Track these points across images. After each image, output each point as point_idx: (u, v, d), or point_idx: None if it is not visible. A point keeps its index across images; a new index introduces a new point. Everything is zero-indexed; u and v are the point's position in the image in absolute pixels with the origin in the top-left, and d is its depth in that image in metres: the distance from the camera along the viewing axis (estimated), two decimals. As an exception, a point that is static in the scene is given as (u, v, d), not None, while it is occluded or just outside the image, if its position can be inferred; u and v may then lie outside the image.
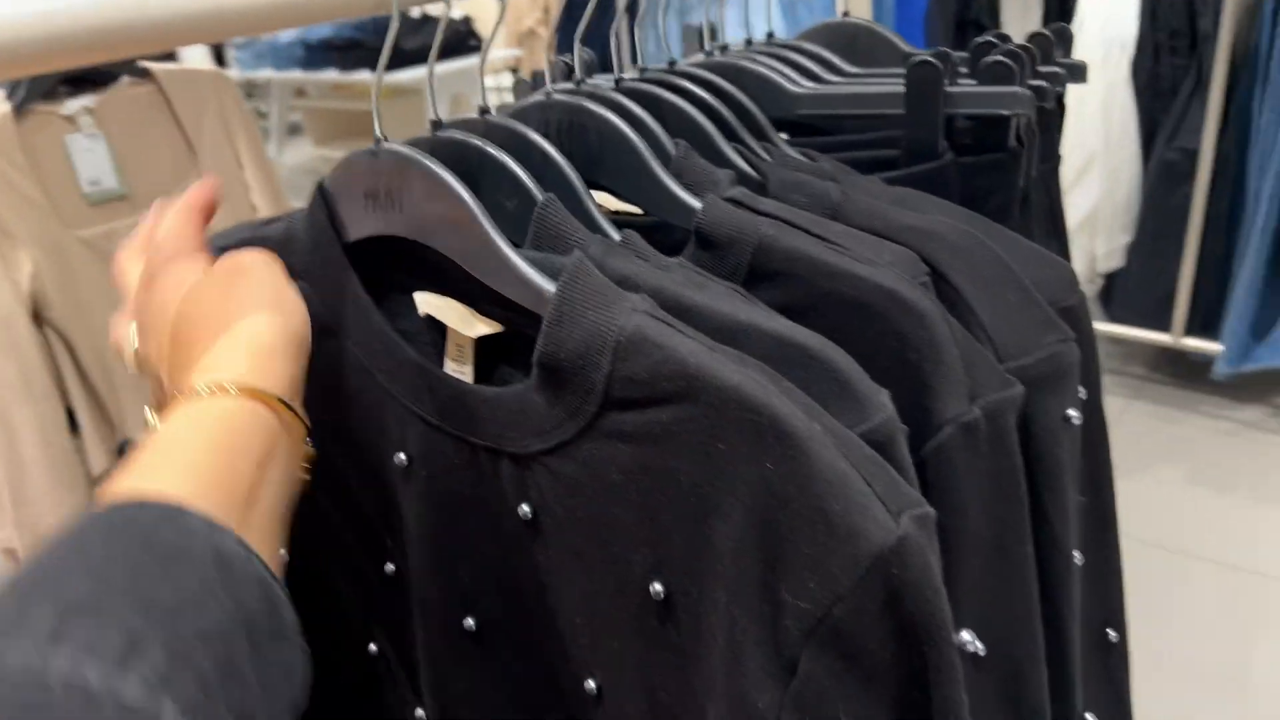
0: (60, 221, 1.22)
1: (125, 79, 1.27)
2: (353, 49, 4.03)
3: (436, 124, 0.50)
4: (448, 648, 0.50)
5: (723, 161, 0.54)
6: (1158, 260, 2.14)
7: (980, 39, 0.59)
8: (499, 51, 4.30)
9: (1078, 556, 0.52)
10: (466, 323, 0.48)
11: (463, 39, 4.12)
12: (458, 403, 0.45)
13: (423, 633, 0.51)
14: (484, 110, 0.51)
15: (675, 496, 0.38)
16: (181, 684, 0.26)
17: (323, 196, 0.50)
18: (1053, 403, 0.48)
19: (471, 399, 0.45)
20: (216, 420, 0.36)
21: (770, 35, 0.72)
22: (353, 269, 0.49)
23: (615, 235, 0.46)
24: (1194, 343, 2.17)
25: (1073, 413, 0.47)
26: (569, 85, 0.55)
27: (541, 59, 3.62)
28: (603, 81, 0.58)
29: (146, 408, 0.46)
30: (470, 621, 0.49)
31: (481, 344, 0.51)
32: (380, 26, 4.06)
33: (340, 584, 0.57)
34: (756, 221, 0.46)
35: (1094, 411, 0.49)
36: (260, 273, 0.44)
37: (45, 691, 0.24)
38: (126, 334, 0.47)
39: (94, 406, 1.25)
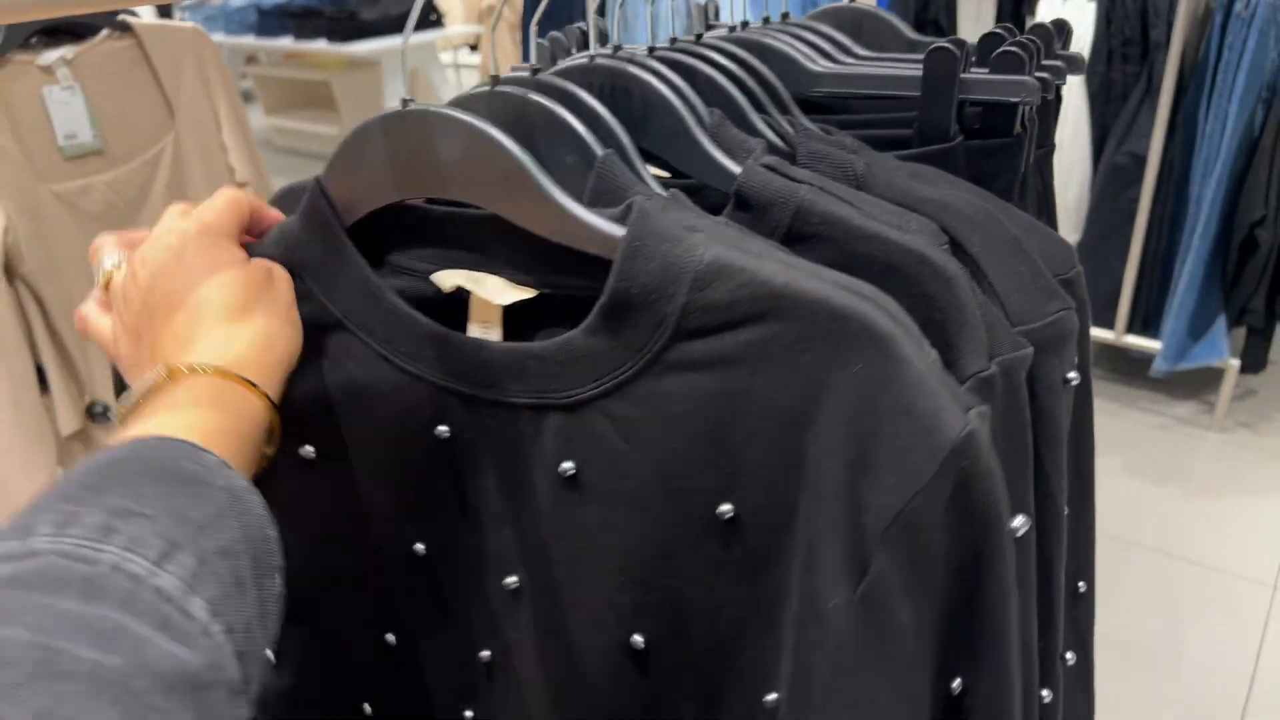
0: (34, 175, 1.19)
1: (104, 31, 1.25)
2: (309, 17, 3.96)
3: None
4: (489, 612, 0.51)
5: (752, 131, 0.57)
6: (1103, 260, 2.23)
7: (991, 30, 0.63)
8: (459, 27, 4.27)
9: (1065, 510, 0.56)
10: (497, 291, 0.48)
11: (423, 14, 4.07)
12: (494, 366, 0.46)
13: (461, 601, 0.52)
14: (535, 70, 0.52)
15: (753, 414, 0.40)
16: (205, 586, 0.32)
17: (320, 187, 0.49)
18: (1055, 365, 0.51)
19: (511, 358, 0.45)
20: (213, 392, 0.41)
21: (785, 15, 0.74)
22: (359, 255, 0.49)
23: (662, 193, 0.48)
24: (1135, 340, 2.26)
25: (1072, 375, 0.50)
26: (605, 51, 0.57)
27: (504, 36, 3.60)
28: (636, 50, 0.60)
29: (126, 385, 0.47)
30: (512, 579, 0.50)
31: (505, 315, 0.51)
32: (337, -4, 4.00)
33: (351, 578, 0.56)
34: (795, 186, 0.49)
35: (1084, 378, 0.52)
36: (284, 287, 0.48)
37: (99, 570, 0.29)
38: (100, 325, 0.49)
39: (64, 365, 1.23)
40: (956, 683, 0.42)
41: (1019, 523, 0.40)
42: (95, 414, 1.26)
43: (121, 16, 1.26)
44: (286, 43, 4.10)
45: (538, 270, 0.47)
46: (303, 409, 0.50)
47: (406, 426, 0.49)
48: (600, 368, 0.43)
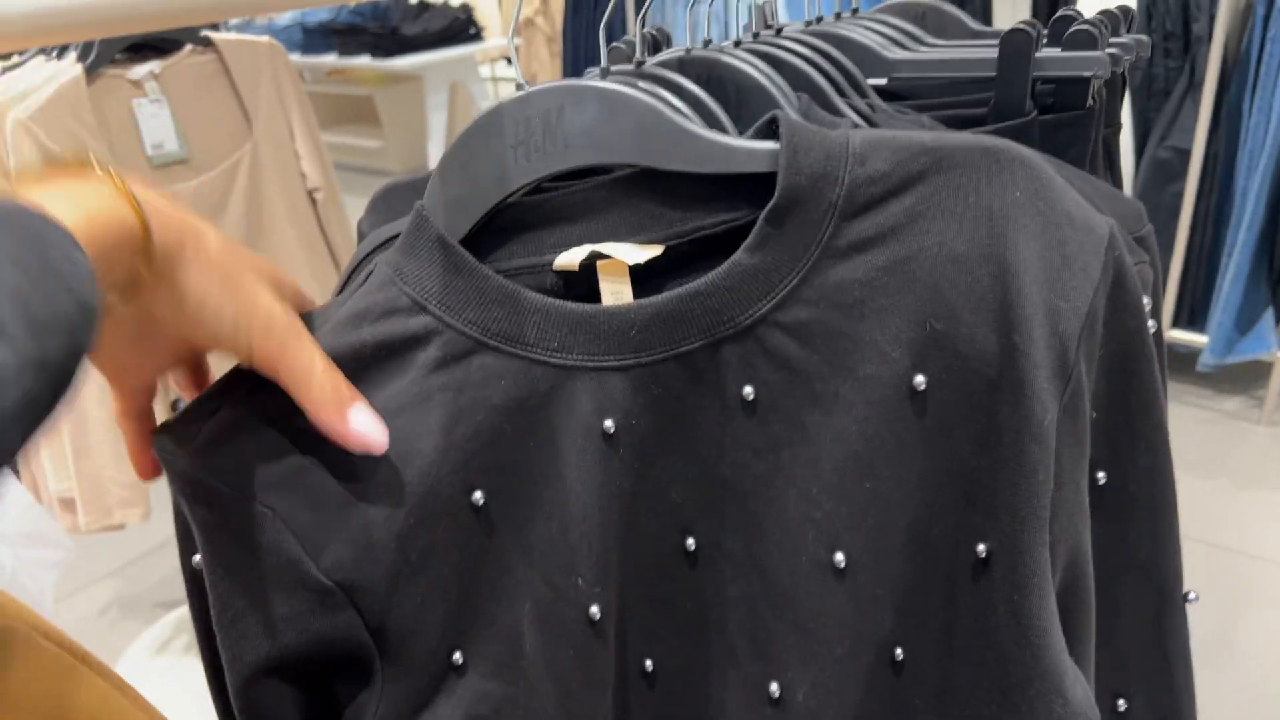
0: (125, 182, 1.25)
1: (188, 47, 1.31)
2: (352, 34, 4.06)
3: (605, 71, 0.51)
4: (668, 580, 0.49)
5: (836, 113, 0.60)
6: (1148, 254, 2.23)
7: (1059, 13, 0.66)
8: (496, 40, 4.34)
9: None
10: (627, 255, 0.47)
11: (463, 27, 4.15)
12: (656, 321, 0.45)
13: (634, 575, 0.49)
14: (639, 63, 0.56)
15: (930, 273, 0.42)
16: None
17: (421, 211, 0.48)
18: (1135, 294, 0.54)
19: (673, 305, 0.45)
20: (94, 193, 0.38)
21: (855, 10, 0.78)
22: (484, 265, 0.47)
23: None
24: (1181, 334, 2.27)
25: (1151, 324, 0.50)
26: (697, 47, 0.61)
27: (540, 48, 3.67)
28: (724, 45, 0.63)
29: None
30: (690, 541, 0.48)
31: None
32: (379, 12, 4.09)
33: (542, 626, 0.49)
34: None
35: (1159, 332, 0.53)
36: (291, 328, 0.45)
37: None
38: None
39: (152, 362, 1.29)
40: (1101, 475, 0.47)
41: (1151, 324, 0.45)
42: (178, 409, 1.32)
43: (204, 33, 1.32)
44: (331, 59, 4.20)
45: (664, 222, 0.48)
46: (461, 455, 0.46)
47: (571, 430, 0.46)
48: (770, 279, 0.44)
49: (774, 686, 0.50)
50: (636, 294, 0.49)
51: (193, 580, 0.47)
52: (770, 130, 0.47)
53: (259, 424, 0.45)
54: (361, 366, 0.46)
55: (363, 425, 0.44)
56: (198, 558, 0.46)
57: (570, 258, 0.48)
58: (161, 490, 0.48)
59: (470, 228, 0.49)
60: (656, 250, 0.47)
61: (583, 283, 0.49)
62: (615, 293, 0.49)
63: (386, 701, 0.47)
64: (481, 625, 0.48)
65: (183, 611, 1.73)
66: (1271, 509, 1.94)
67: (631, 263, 0.47)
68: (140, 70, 1.26)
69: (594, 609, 0.48)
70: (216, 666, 0.48)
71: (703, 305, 0.44)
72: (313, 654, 0.47)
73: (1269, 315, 2.15)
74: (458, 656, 0.48)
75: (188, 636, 1.67)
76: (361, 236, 0.62)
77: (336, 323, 0.47)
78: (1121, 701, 0.53)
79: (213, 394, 0.46)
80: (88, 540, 1.36)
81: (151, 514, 1.39)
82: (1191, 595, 0.51)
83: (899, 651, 0.49)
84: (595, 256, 0.48)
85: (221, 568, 0.46)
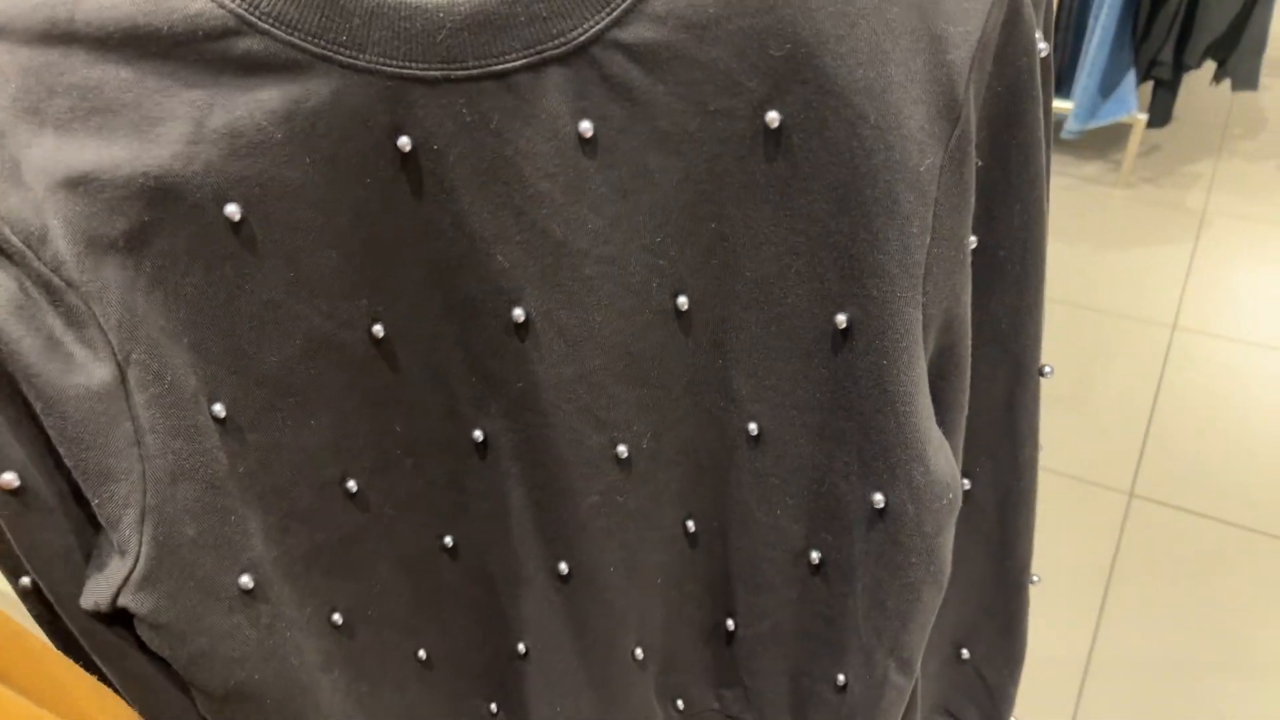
0: None
1: None
2: None
3: None
4: (495, 355, 0.45)
5: None
6: (1018, 20, 2.20)
7: None
8: None
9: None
10: None
11: None
12: (470, 26, 0.36)
13: (461, 336, 0.44)
14: None
15: None
16: None
17: None
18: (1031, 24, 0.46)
19: (489, 6, 0.36)
20: None
21: None
22: None
23: None
24: (1047, 101, 2.28)
25: (1043, 46, 0.44)
26: None
27: None
28: None
29: None
30: (519, 312, 0.43)
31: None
32: None
33: (310, 365, 0.44)
34: None
35: (1048, 54, 0.49)
36: None
37: None
38: None
39: None
40: (972, 237, 0.42)
41: (1044, 47, 0.40)
42: None
43: None
44: None
45: None
46: (215, 152, 0.37)
47: (359, 146, 0.38)
48: None
49: (621, 449, 0.47)
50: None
51: None
52: None
53: None
54: (82, 16, 0.35)
55: None
56: None
57: None
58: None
59: None
60: None
61: None
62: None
63: (149, 461, 0.40)
64: (241, 371, 0.41)
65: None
66: (1123, 268, 2.04)
67: None
68: None
69: (377, 328, 0.43)
70: None
71: (527, 10, 0.36)
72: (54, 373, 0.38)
73: (1130, 77, 2.17)
74: (219, 408, 0.41)
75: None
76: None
77: None
78: (966, 481, 0.53)
79: None
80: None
81: None
82: (1047, 369, 0.49)
83: (752, 426, 0.47)
84: None
85: None
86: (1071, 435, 1.63)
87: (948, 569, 0.49)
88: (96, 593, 0.41)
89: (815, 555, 0.51)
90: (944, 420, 0.46)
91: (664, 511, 0.51)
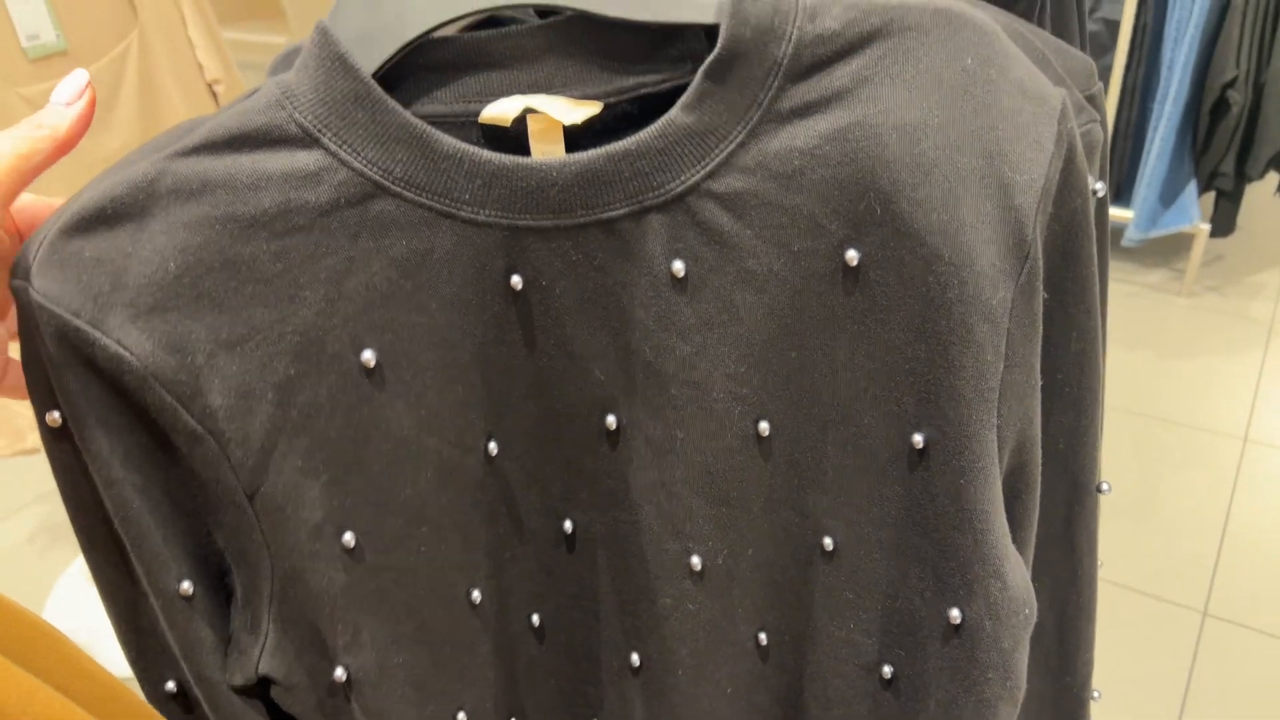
0: (1, 78, 1.15)
1: (57, -76, 1.19)
2: (249, -84, 3.77)
3: None
4: (589, 455, 0.48)
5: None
6: (1076, 131, 2.23)
7: None
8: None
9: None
10: (563, 111, 0.42)
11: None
12: (580, 181, 0.41)
13: (558, 438, 0.47)
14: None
15: (874, 141, 0.40)
16: None
17: (323, 29, 0.41)
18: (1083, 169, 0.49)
19: (600, 164, 0.40)
20: None
21: None
22: (392, 99, 0.41)
23: None
24: (1107, 210, 2.29)
25: (1099, 186, 0.47)
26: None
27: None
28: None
29: None
30: (611, 420, 0.46)
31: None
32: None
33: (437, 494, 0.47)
34: None
35: (1104, 195, 0.50)
36: None
37: None
38: None
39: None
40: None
41: (1100, 188, 0.44)
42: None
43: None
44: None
45: (603, 77, 0.43)
46: (352, 307, 0.41)
47: (477, 288, 0.42)
48: (706, 143, 0.40)
49: (695, 560, 0.49)
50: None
51: (52, 437, 0.42)
52: None
53: (116, 254, 0.39)
54: (238, 200, 0.39)
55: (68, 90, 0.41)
56: (56, 413, 0.41)
57: (502, 109, 0.42)
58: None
59: (381, 63, 0.42)
60: (595, 108, 0.43)
61: (510, 142, 0.44)
62: (549, 149, 0.44)
63: (279, 581, 0.44)
64: (374, 502, 0.45)
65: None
66: (1190, 378, 2.01)
67: (567, 122, 0.42)
68: (4, -49, 1.14)
69: (491, 445, 0.46)
70: (93, 540, 0.44)
71: (631, 167, 0.40)
72: (196, 510, 0.43)
73: (1192, 187, 2.18)
74: (348, 538, 0.44)
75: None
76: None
77: (199, 142, 0.39)
78: None
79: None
80: (7, 467, 1.30)
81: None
82: (1105, 486, 0.50)
83: (827, 541, 0.48)
84: (526, 111, 0.43)
85: (82, 416, 0.40)
86: (1142, 549, 1.59)
87: (1024, 684, 0.49)
88: (242, 669, 0.45)
89: (888, 670, 0.51)
90: (1016, 538, 0.47)
91: (736, 626, 0.52)
